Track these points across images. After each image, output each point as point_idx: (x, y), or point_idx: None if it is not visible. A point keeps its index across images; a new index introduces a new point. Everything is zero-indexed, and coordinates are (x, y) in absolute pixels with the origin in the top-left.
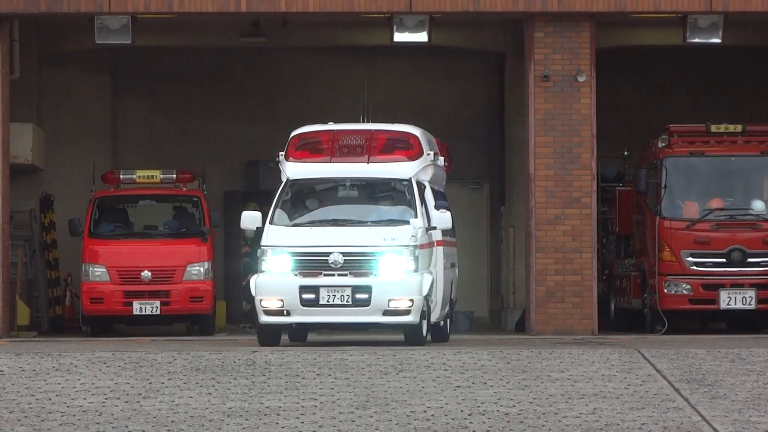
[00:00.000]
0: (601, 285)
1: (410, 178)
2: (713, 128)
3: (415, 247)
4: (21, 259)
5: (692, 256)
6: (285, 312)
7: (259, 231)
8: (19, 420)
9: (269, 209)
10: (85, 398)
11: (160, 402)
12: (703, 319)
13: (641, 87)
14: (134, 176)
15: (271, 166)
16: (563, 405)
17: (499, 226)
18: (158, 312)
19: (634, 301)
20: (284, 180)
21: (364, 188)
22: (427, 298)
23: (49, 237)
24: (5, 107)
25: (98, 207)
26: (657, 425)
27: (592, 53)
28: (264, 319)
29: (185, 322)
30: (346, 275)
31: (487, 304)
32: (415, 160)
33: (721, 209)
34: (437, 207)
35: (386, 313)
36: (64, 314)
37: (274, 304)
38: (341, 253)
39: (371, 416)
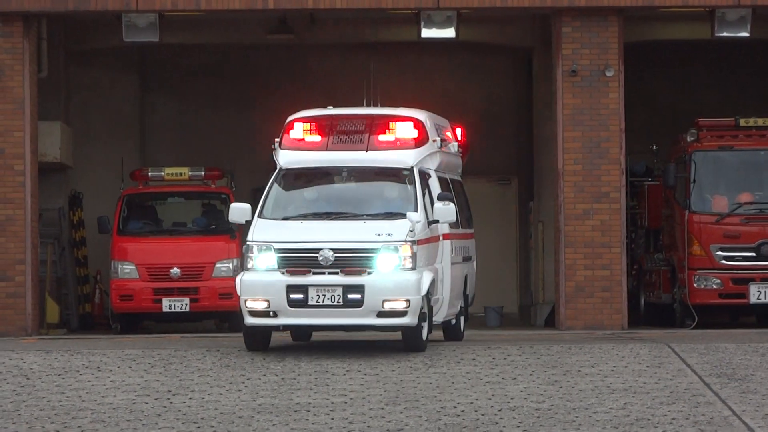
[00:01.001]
0: (630, 280)
1: (412, 167)
2: (742, 122)
3: (413, 242)
4: (50, 257)
5: (722, 250)
6: (271, 313)
7: None
8: (49, 417)
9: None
10: (115, 395)
11: (190, 399)
12: (733, 314)
13: (669, 81)
14: (163, 173)
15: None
16: (593, 400)
17: (528, 222)
18: (187, 309)
19: (663, 296)
20: (277, 169)
21: (362, 178)
22: (428, 297)
23: (78, 234)
24: (33, 105)
25: (127, 204)
26: (687, 420)
27: (620, 48)
28: (249, 320)
29: (214, 319)
30: (336, 273)
31: (517, 299)
32: (418, 147)
33: (751, 203)
34: (440, 198)
35: (381, 314)
36: (93, 312)
37: (259, 305)
38: (332, 249)
39: (401, 412)
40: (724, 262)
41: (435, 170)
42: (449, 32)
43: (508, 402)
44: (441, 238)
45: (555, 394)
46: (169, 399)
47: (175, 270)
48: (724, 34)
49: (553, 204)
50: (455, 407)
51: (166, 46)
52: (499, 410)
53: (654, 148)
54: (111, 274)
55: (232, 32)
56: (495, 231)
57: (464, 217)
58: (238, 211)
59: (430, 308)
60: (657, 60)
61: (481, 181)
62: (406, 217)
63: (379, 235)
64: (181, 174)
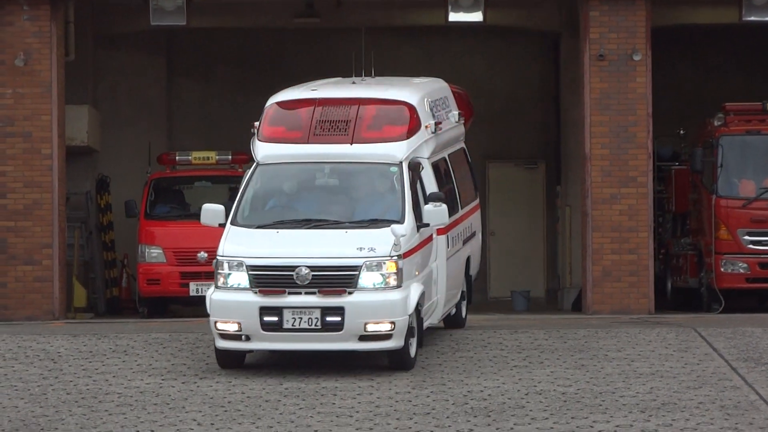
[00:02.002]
0: (657, 264)
1: (401, 162)
2: None
3: (399, 257)
4: (77, 241)
5: (749, 234)
6: (243, 337)
7: None
8: (76, 401)
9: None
10: (141, 379)
11: (217, 383)
12: (760, 298)
13: (697, 65)
14: (190, 157)
15: None
16: (620, 384)
17: (555, 206)
18: None
19: (690, 280)
20: (254, 164)
21: (346, 176)
22: (418, 310)
23: (105, 219)
24: (61, 89)
25: (154, 188)
26: (714, 404)
27: (648, 32)
28: (220, 344)
29: None
30: (314, 293)
31: (544, 283)
32: (408, 137)
33: None
34: (430, 199)
35: (363, 338)
36: (120, 296)
37: (230, 327)
38: (308, 267)
39: (428, 396)
40: (751, 246)
41: (429, 158)
42: (477, 16)
43: (535, 386)
44: (435, 235)
45: (582, 378)
46: (195, 383)
47: (202, 254)
48: (752, 18)
49: (581, 188)
50: (482, 391)
51: (193, 30)
52: (526, 394)
53: (681, 132)
54: (138, 258)
55: (258, 16)
56: (522, 215)
57: (466, 189)
58: (211, 213)
59: (420, 321)
60: (684, 44)
61: (508, 166)
62: (395, 224)
63: (360, 249)
64: (208, 158)
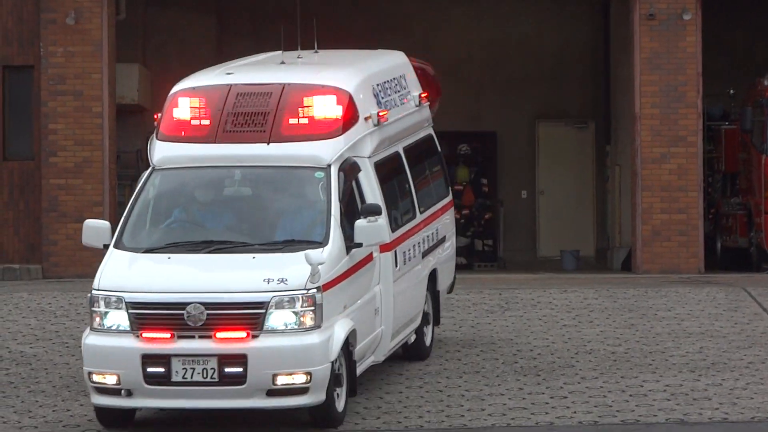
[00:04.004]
0: (707, 224)
1: (329, 165)
2: None
3: (317, 289)
4: (128, 199)
5: None
6: (123, 392)
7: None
8: None
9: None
10: None
11: None
12: None
13: (747, 25)
14: None
15: None
16: (670, 344)
17: (605, 165)
18: None
19: (740, 240)
20: (149, 170)
21: (261, 184)
22: (346, 353)
23: None
24: (111, 48)
25: None
26: (764, 364)
27: None
28: (97, 400)
29: None
30: (209, 337)
31: (593, 243)
32: (341, 133)
33: None
34: (364, 212)
35: (271, 393)
36: None
37: (107, 380)
38: (202, 303)
39: (477, 355)
40: None
41: (371, 156)
42: None
43: (584, 345)
44: (375, 253)
45: (631, 338)
46: None
47: None
48: None
49: (630, 147)
50: (531, 350)
51: None
52: (576, 353)
53: (731, 92)
54: None
55: None
56: (571, 174)
57: (430, 187)
58: (94, 231)
59: (352, 364)
60: (734, 3)
61: (558, 125)
62: (315, 246)
63: (268, 281)
64: None
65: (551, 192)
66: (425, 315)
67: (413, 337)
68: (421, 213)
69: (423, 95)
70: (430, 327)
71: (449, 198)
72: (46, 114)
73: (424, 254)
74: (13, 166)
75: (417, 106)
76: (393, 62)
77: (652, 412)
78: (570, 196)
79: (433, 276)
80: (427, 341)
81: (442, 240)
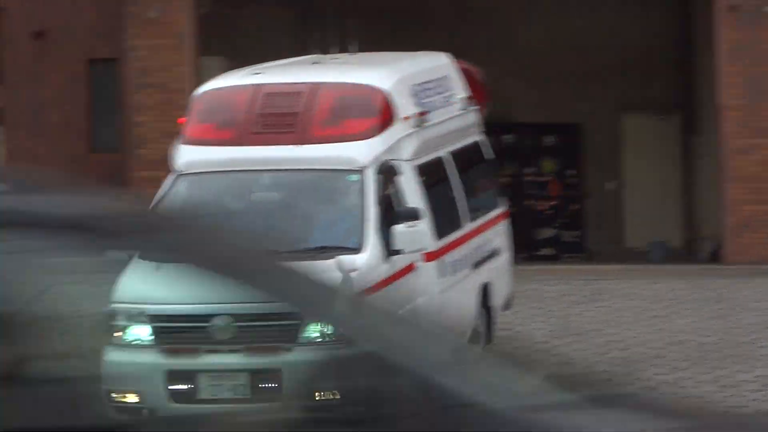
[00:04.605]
0: None
1: (364, 168)
2: None
3: None
4: None
5: None
6: (145, 411)
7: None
8: None
9: None
10: None
11: None
12: None
13: None
14: None
15: None
16: (760, 335)
17: (691, 156)
18: None
19: None
20: (173, 174)
21: (292, 188)
22: None
23: None
24: (195, 41)
25: None
26: None
27: None
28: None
29: None
30: (239, 351)
31: (681, 234)
32: (377, 134)
33: None
34: (401, 217)
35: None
36: None
37: (128, 399)
38: (230, 315)
39: (567, 345)
40: None
41: (411, 159)
42: None
43: (674, 336)
44: (418, 262)
45: (721, 329)
46: None
47: None
48: None
49: (716, 139)
50: (621, 341)
51: None
52: (666, 344)
53: None
54: None
55: None
56: (657, 165)
57: (479, 195)
58: None
59: None
60: None
61: (642, 116)
62: (353, 252)
63: None
64: None
65: (637, 183)
66: (476, 332)
67: None
68: (470, 222)
69: (469, 98)
70: (479, 346)
71: (503, 208)
72: (132, 107)
73: (475, 266)
74: (100, 158)
75: (463, 109)
76: (435, 63)
77: (743, 403)
78: (656, 187)
79: (485, 290)
80: None
81: (496, 252)
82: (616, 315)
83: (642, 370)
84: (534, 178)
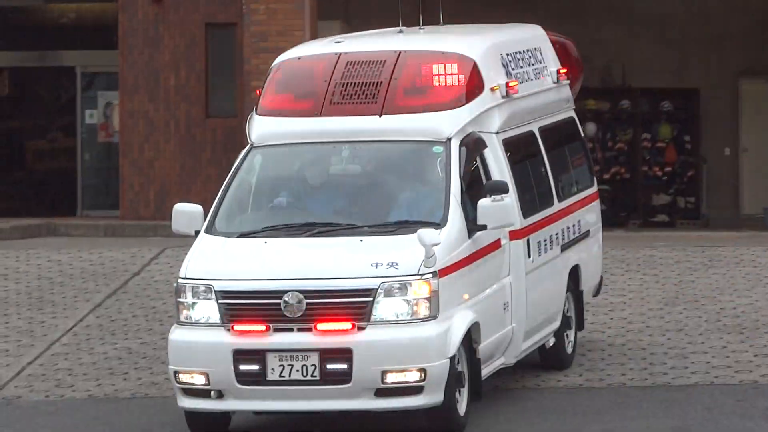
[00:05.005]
0: None
1: (449, 139)
2: None
3: (433, 274)
4: None
5: None
6: (213, 393)
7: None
8: None
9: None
10: None
11: None
12: None
13: None
14: None
15: None
16: None
17: None
18: None
19: None
20: (247, 147)
21: (372, 160)
22: (470, 349)
23: None
24: (313, 4)
25: None
26: None
27: None
28: (184, 403)
29: None
30: (309, 330)
31: None
32: (461, 105)
33: None
34: (488, 190)
35: (380, 393)
36: None
37: (195, 380)
38: (301, 291)
39: (680, 312)
40: None
41: (499, 132)
42: None
43: None
44: (504, 240)
45: None
46: None
47: None
48: None
49: None
50: (735, 308)
51: None
52: None
53: None
54: None
55: None
56: None
57: (571, 174)
58: (185, 216)
59: (476, 363)
60: None
61: (760, 81)
62: (433, 228)
63: (377, 265)
64: None
65: (755, 149)
66: (566, 318)
67: (552, 340)
68: (559, 201)
69: (562, 71)
70: (572, 332)
71: (594, 189)
72: (249, 71)
73: (564, 248)
74: (217, 123)
75: (555, 83)
76: (526, 34)
77: None
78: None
79: (574, 273)
80: (569, 348)
81: (586, 234)
82: (730, 282)
83: (756, 337)
84: (650, 143)
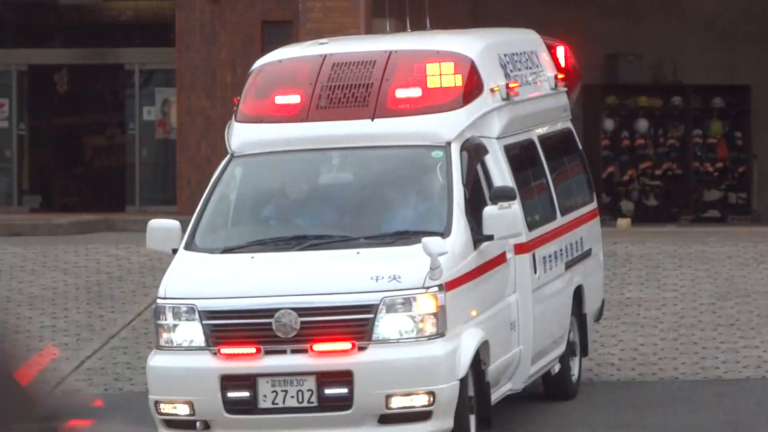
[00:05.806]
0: None
1: (449, 143)
2: None
3: (439, 287)
4: None
5: None
6: (198, 424)
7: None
8: None
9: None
10: None
11: None
12: None
13: None
14: None
15: (629, 59)
16: None
17: None
18: None
19: None
20: (227, 156)
21: (365, 168)
22: (479, 371)
23: None
24: (368, 2)
25: None
26: None
27: None
28: None
29: None
30: (305, 351)
31: None
32: (460, 107)
33: None
34: (494, 197)
35: (384, 419)
36: None
37: (179, 410)
38: (294, 309)
39: (732, 307)
40: None
41: (500, 137)
42: None
43: None
44: (509, 254)
45: None
46: None
47: None
48: None
49: None
50: None
51: None
52: None
53: None
54: None
55: None
56: None
57: (571, 187)
58: (160, 233)
59: (485, 387)
60: None
61: None
62: (434, 238)
63: (377, 279)
64: None
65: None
66: (570, 343)
67: (557, 367)
68: (561, 215)
69: (560, 77)
70: (576, 359)
71: (594, 205)
72: None
73: (567, 266)
74: None
75: (553, 89)
76: (523, 37)
77: None
78: None
79: (578, 295)
80: (574, 376)
81: (588, 253)
82: None
83: None
84: (701, 140)
